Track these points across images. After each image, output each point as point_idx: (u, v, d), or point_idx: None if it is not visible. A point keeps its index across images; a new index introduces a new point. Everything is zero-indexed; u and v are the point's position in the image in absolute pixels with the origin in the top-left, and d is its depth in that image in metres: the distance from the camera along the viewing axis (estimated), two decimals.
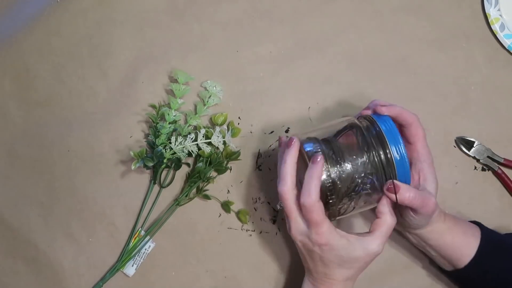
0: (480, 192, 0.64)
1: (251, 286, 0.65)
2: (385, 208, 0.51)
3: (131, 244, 0.65)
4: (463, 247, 0.54)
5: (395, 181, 0.50)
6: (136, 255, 0.65)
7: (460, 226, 0.56)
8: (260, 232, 0.66)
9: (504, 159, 0.64)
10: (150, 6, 0.72)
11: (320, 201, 0.48)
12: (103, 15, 0.72)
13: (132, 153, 0.62)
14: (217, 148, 0.64)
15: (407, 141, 0.54)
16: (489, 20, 0.67)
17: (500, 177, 0.64)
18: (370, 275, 0.63)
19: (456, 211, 0.64)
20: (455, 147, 0.66)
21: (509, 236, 0.59)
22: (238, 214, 0.65)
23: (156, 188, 0.67)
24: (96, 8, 0.73)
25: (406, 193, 0.50)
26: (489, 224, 0.61)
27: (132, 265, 0.65)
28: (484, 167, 0.65)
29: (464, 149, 0.65)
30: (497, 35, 0.67)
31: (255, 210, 0.66)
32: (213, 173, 0.66)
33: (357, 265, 0.51)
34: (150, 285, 0.65)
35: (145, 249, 0.65)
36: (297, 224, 0.51)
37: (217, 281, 0.65)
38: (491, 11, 0.67)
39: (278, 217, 0.66)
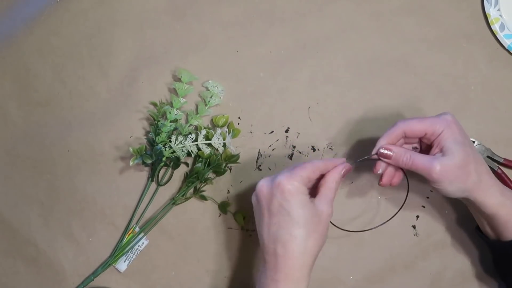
0: None
1: (251, 286, 0.65)
2: (333, 171, 0.54)
3: (124, 240, 0.65)
4: None
5: (388, 145, 0.54)
6: (129, 251, 0.65)
7: None
8: None
9: (504, 159, 0.64)
10: (150, 6, 0.72)
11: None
12: (103, 15, 0.72)
13: (131, 149, 0.63)
14: (217, 149, 0.64)
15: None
16: (489, 20, 0.67)
17: (500, 177, 0.64)
18: (370, 275, 0.63)
19: (456, 211, 0.64)
20: None
21: None
22: (235, 215, 0.65)
23: (153, 186, 0.67)
24: (96, 8, 0.73)
25: (400, 157, 0.53)
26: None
27: (124, 261, 0.65)
28: None
29: None
30: (497, 35, 0.67)
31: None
32: (211, 175, 0.66)
33: (312, 226, 0.50)
34: (140, 281, 0.65)
35: (138, 246, 0.65)
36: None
37: (217, 281, 0.65)
38: (491, 11, 0.67)
39: None
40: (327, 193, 0.53)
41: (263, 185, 0.52)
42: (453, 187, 0.52)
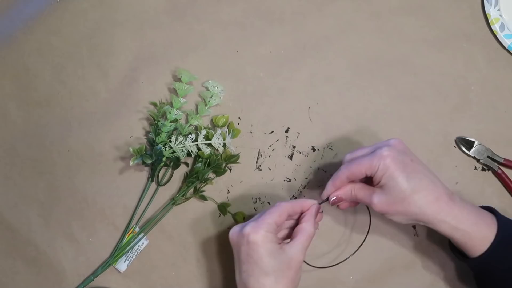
0: (480, 192, 0.64)
1: None
2: (308, 217, 0.55)
3: (124, 240, 0.65)
4: (476, 239, 0.52)
5: (333, 194, 0.56)
6: (129, 252, 0.65)
7: (471, 217, 0.53)
8: None
9: (504, 159, 0.64)
10: (150, 6, 0.72)
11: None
12: (103, 15, 0.72)
13: (131, 149, 0.63)
14: (217, 149, 0.64)
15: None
16: (489, 20, 0.67)
17: (500, 177, 0.64)
18: (370, 275, 0.63)
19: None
20: (455, 147, 0.66)
21: None
22: (234, 216, 0.65)
23: (153, 186, 0.67)
24: (96, 8, 0.73)
25: (347, 197, 0.56)
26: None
27: (124, 261, 0.65)
28: (484, 167, 0.65)
29: (464, 149, 0.65)
30: (497, 35, 0.67)
31: (255, 210, 0.66)
32: (211, 175, 0.66)
33: (280, 273, 0.51)
34: (140, 281, 0.65)
35: (138, 246, 0.65)
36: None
37: (217, 281, 0.65)
38: (491, 11, 0.67)
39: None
40: (302, 240, 0.53)
41: (233, 234, 0.54)
42: (398, 218, 0.53)
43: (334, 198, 0.56)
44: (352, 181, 0.56)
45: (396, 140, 0.54)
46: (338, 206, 0.58)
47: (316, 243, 0.63)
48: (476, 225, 0.52)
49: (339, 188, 0.56)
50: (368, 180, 0.56)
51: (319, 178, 0.66)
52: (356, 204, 0.59)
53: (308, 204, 0.56)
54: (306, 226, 0.54)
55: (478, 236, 0.52)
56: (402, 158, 0.52)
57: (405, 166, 0.52)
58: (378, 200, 0.53)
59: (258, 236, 0.51)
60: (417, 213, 0.52)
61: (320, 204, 0.57)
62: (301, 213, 0.56)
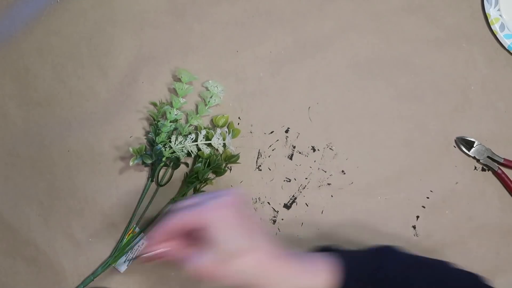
0: (480, 192, 0.64)
1: None
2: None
3: (124, 240, 0.65)
4: None
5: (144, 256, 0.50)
6: (129, 252, 0.65)
7: (309, 269, 0.47)
8: None
9: (504, 159, 0.64)
10: (150, 6, 0.72)
11: None
12: (103, 15, 0.72)
13: (131, 149, 0.63)
14: (217, 150, 0.64)
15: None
16: (489, 20, 0.67)
17: (500, 177, 0.64)
18: None
19: (456, 211, 0.64)
20: (455, 147, 0.66)
21: (374, 258, 0.49)
22: None
23: (153, 186, 0.67)
24: (96, 8, 0.73)
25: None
26: (489, 224, 0.61)
27: (124, 261, 0.65)
28: (484, 167, 0.65)
29: (464, 149, 0.65)
30: (497, 35, 0.67)
31: (255, 210, 0.66)
32: (211, 175, 0.66)
33: None
34: (140, 281, 0.65)
35: (138, 246, 0.65)
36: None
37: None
38: (491, 11, 0.67)
39: (278, 217, 0.66)
40: None
41: None
42: (225, 283, 0.46)
43: (152, 254, 0.50)
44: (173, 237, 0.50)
45: (235, 192, 0.49)
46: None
47: None
48: (316, 275, 0.46)
49: (161, 242, 0.49)
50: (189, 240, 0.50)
51: (319, 178, 0.66)
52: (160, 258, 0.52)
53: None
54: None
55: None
56: (236, 213, 0.47)
57: (227, 231, 0.46)
58: (205, 259, 0.46)
59: None
60: (243, 278, 0.46)
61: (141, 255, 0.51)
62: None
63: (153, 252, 0.50)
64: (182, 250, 0.49)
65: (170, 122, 0.66)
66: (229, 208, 0.47)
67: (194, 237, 0.48)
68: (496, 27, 0.67)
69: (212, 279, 0.47)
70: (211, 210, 0.47)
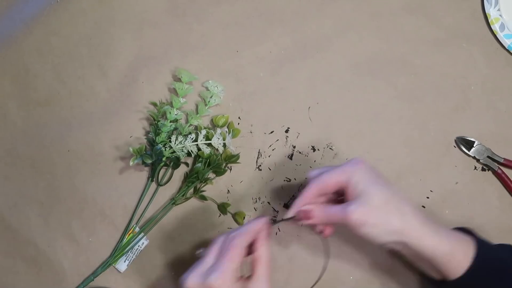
0: (480, 192, 0.64)
1: None
2: (260, 241, 0.51)
3: (124, 240, 0.65)
4: (455, 260, 0.49)
5: (303, 208, 0.52)
6: (129, 251, 0.65)
7: (451, 236, 0.51)
8: None
9: (504, 159, 0.64)
10: (150, 6, 0.72)
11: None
12: (103, 15, 0.72)
13: (131, 149, 0.63)
14: (217, 149, 0.64)
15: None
16: (489, 20, 0.67)
17: (500, 177, 0.64)
18: (370, 275, 0.63)
19: (456, 211, 0.64)
20: (455, 147, 0.66)
21: (503, 249, 0.53)
22: (234, 215, 0.65)
23: (153, 186, 0.67)
24: (96, 8, 0.73)
25: (316, 215, 0.51)
26: (489, 224, 0.61)
27: (124, 261, 0.65)
28: (484, 167, 0.65)
29: (464, 149, 0.65)
30: (497, 35, 0.67)
31: (255, 210, 0.66)
32: (211, 175, 0.66)
33: None
34: (140, 281, 0.65)
35: (138, 246, 0.65)
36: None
37: None
38: (491, 11, 0.67)
39: (278, 217, 0.66)
40: (263, 273, 0.49)
41: (193, 284, 0.47)
42: (378, 230, 0.48)
43: (302, 211, 0.52)
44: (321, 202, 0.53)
45: (359, 158, 0.52)
46: (321, 233, 0.55)
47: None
48: (457, 244, 0.50)
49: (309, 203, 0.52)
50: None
51: None
52: (331, 230, 0.55)
53: (259, 226, 0.51)
54: (262, 253, 0.50)
55: (458, 257, 0.49)
56: (372, 169, 0.51)
57: (379, 175, 0.50)
58: (355, 209, 0.48)
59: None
60: (399, 221, 0.48)
61: (284, 220, 0.53)
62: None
63: (305, 208, 0.52)
64: (331, 208, 0.51)
65: (170, 122, 0.66)
66: (366, 164, 0.51)
67: (334, 198, 0.53)
68: (496, 27, 0.67)
69: (370, 226, 0.48)
70: (353, 166, 0.50)
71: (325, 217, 0.51)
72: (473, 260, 0.49)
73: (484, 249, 0.51)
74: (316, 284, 0.56)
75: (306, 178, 0.54)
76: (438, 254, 0.49)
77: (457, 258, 0.49)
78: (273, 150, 0.67)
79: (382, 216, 0.48)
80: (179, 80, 0.68)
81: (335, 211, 0.50)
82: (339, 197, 0.55)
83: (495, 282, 0.50)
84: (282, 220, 0.54)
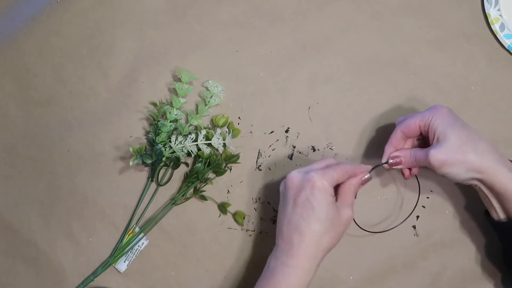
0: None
1: (251, 286, 0.65)
2: (356, 179, 0.57)
3: (124, 240, 0.65)
4: None
5: (394, 153, 0.58)
6: (129, 251, 0.65)
7: None
8: (260, 232, 0.66)
9: None
10: (150, 6, 0.72)
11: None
12: (103, 15, 0.72)
13: (131, 149, 0.63)
14: (217, 149, 0.64)
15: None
16: (489, 20, 0.67)
17: None
18: (370, 275, 0.63)
19: (457, 211, 0.64)
20: None
21: None
22: (234, 215, 0.65)
23: (153, 186, 0.67)
24: (96, 8, 0.73)
25: (406, 160, 0.58)
26: (489, 223, 0.60)
27: (124, 261, 0.65)
28: None
29: None
30: (497, 35, 0.67)
31: (255, 210, 0.66)
32: (211, 175, 0.66)
33: (331, 225, 0.52)
34: (140, 281, 0.65)
35: (138, 246, 0.65)
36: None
37: (217, 281, 0.65)
38: (491, 11, 0.67)
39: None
40: (348, 198, 0.55)
41: (294, 176, 0.54)
42: (456, 169, 0.53)
43: (392, 161, 0.58)
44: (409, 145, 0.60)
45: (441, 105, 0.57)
46: (404, 175, 0.60)
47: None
48: None
49: (397, 149, 0.59)
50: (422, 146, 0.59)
51: None
52: (415, 171, 0.60)
53: (362, 170, 0.57)
54: (354, 183, 0.56)
55: None
56: (451, 112, 0.56)
57: (456, 118, 0.55)
58: (435, 151, 0.53)
59: (323, 185, 0.52)
60: (475, 160, 0.52)
61: (374, 168, 0.58)
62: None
63: (395, 155, 0.58)
64: (417, 152, 0.57)
65: (170, 122, 0.66)
66: (446, 108, 0.56)
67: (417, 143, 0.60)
68: (496, 27, 0.67)
69: (449, 166, 0.53)
70: (432, 111, 0.56)
71: (411, 162, 0.57)
72: None
73: None
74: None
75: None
76: (510, 189, 0.52)
77: None
78: (273, 150, 0.67)
79: (460, 156, 0.53)
80: (179, 80, 0.68)
81: (420, 155, 0.56)
82: (423, 141, 0.60)
83: None
84: (376, 166, 0.59)
